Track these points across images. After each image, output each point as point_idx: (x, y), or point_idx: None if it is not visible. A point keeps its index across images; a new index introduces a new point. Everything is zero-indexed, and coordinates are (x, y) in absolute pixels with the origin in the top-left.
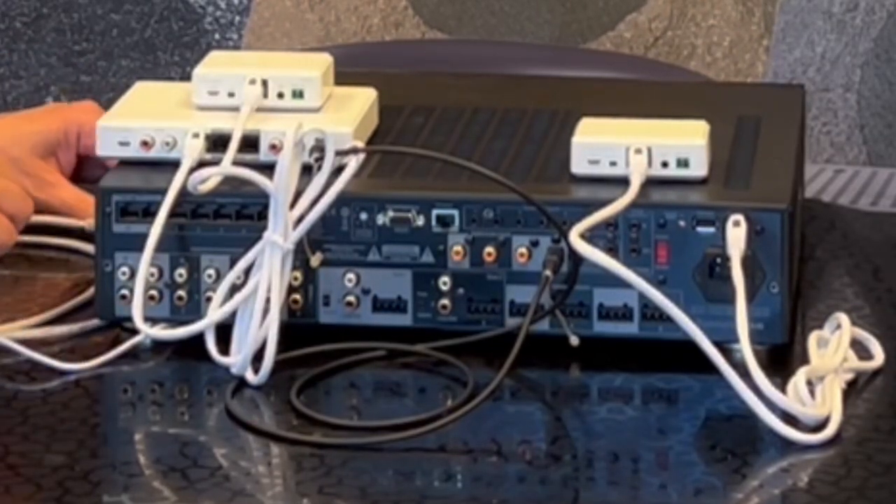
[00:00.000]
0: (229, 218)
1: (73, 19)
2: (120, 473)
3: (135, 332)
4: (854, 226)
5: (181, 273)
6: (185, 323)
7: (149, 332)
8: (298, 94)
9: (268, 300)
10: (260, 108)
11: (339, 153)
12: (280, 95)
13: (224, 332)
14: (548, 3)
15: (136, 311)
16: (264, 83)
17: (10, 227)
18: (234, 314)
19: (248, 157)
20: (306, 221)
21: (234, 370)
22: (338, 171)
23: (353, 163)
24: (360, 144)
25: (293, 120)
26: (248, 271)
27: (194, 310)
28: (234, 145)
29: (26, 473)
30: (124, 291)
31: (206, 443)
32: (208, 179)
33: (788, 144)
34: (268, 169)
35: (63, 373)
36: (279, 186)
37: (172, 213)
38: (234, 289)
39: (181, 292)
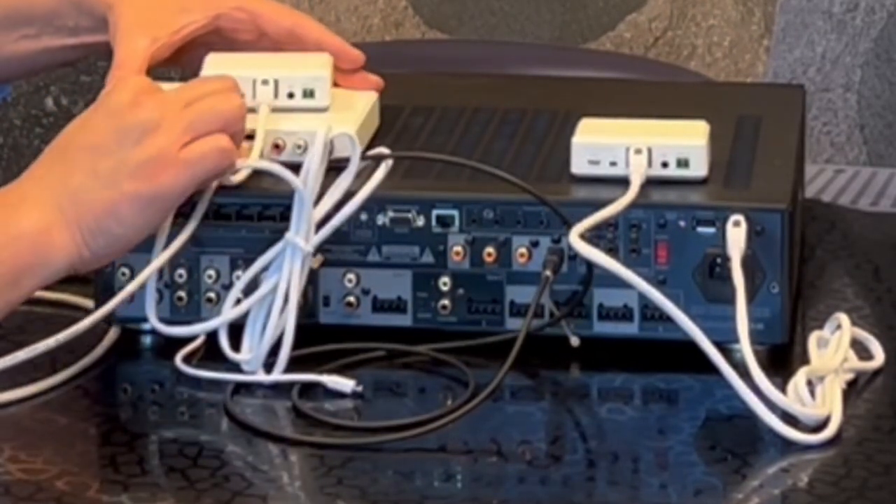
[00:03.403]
0: (229, 219)
1: None
2: (120, 473)
3: (134, 331)
4: (854, 226)
5: (181, 273)
6: (185, 323)
7: (164, 329)
8: (309, 94)
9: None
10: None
11: (365, 158)
12: (290, 95)
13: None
14: (548, 3)
15: (150, 310)
16: (275, 83)
17: (231, 147)
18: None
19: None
20: (329, 226)
21: (246, 367)
22: (331, 171)
23: (382, 168)
24: (386, 150)
25: (300, 120)
26: (247, 268)
27: (194, 310)
28: (258, 144)
29: (26, 473)
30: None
31: (206, 443)
32: (240, 171)
33: (788, 144)
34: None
35: (74, 373)
36: (307, 188)
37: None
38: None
39: (181, 293)
